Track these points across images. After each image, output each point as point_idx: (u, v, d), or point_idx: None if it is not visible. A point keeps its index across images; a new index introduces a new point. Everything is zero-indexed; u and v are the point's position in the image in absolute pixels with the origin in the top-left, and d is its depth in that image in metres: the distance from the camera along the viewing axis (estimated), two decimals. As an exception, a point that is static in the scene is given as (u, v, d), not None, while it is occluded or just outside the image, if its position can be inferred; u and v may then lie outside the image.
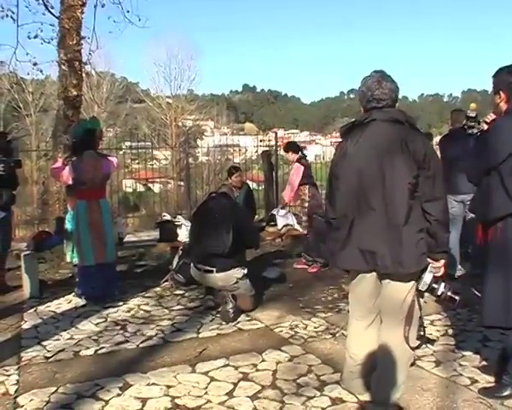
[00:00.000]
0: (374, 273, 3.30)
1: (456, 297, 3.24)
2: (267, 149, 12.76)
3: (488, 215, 3.56)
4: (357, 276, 3.42)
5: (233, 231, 5.35)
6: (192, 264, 5.77)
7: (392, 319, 3.30)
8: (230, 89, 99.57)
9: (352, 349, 3.55)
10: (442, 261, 3.20)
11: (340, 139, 3.56)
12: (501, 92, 3.58)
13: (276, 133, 14.34)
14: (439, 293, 3.17)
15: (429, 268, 3.16)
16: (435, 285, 3.17)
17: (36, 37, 10.52)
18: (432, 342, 4.64)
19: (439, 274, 3.19)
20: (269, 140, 13.84)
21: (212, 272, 5.44)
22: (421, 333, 3.50)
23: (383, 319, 3.39)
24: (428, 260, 3.17)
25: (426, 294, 3.31)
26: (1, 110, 31.70)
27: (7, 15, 10.35)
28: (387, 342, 3.32)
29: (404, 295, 3.22)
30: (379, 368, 3.38)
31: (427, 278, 3.15)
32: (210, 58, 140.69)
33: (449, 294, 3.19)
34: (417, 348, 3.42)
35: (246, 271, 5.52)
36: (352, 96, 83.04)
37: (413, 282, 3.22)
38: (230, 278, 5.41)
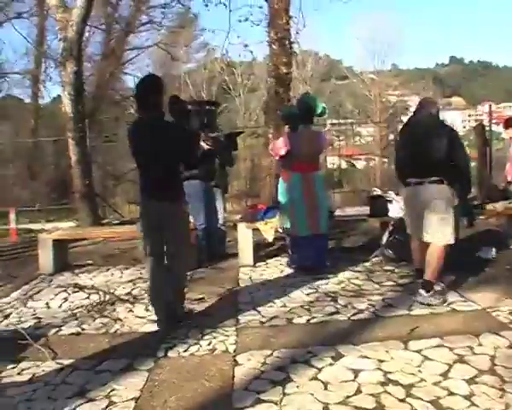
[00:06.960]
0: None
1: None
2: (478, 123, 12.04)
3: None
4: None
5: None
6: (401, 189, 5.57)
7: None
8: (436, 62, 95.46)
9: None
10: None
11: None
12: None
13: (490, 106, 13.48)
14: None
15: None
16: None
17: (246, 20, 11.22)
18: None
19: None
20: (478, 115, 13.18)
21: (423, 183, 5.15)
22: None
23: None
24: None
25: None
26: (214, 92, 34.07)
27: (220, 2, 11.34)
28: None
29: None
30: None
31: None
32: (415, 31, 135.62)
33: None
34: None
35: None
36: None
37: None
38: (442, 192, 5.10)
